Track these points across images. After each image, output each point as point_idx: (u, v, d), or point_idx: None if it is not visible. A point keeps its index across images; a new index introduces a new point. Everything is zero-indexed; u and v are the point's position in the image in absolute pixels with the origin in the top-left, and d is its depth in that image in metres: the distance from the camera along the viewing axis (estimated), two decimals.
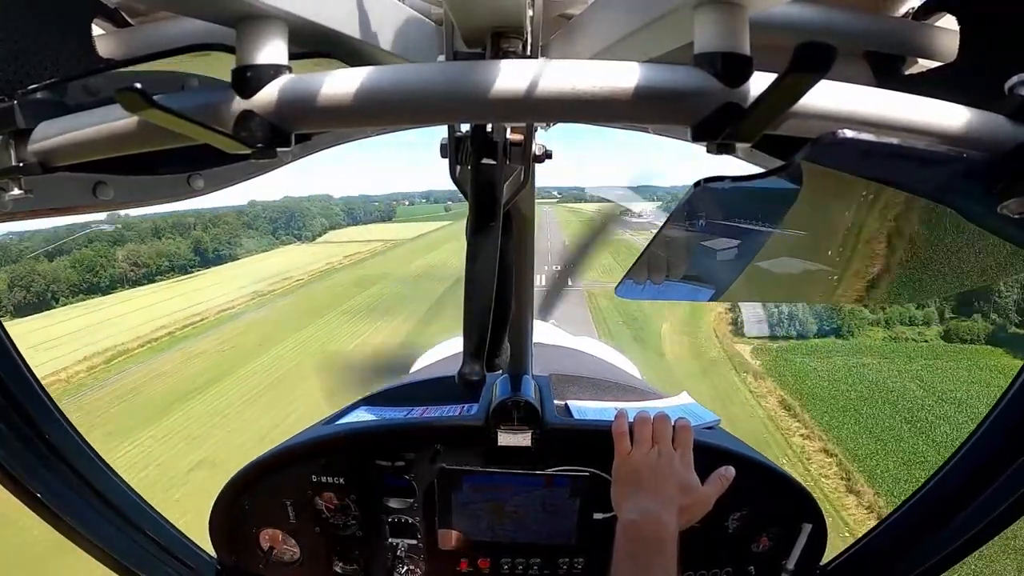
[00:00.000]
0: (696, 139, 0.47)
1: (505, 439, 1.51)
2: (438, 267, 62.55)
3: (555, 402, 1.64)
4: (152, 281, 70.56)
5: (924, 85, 0.75)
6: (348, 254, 79.92)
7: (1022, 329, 37.64)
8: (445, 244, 77.01)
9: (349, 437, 1.58)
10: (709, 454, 1.55)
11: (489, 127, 0.73)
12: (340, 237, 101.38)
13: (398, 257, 76.27)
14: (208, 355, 40.50)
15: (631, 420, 1.37)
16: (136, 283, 69.71)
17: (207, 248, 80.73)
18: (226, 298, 55.77)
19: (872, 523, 1.65)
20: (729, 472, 1.33)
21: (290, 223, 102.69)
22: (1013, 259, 0.75)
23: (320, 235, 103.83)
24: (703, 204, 0.71)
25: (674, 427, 1.35)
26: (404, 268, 66.72)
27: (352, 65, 0.57)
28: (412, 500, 1.58)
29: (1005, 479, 1.14)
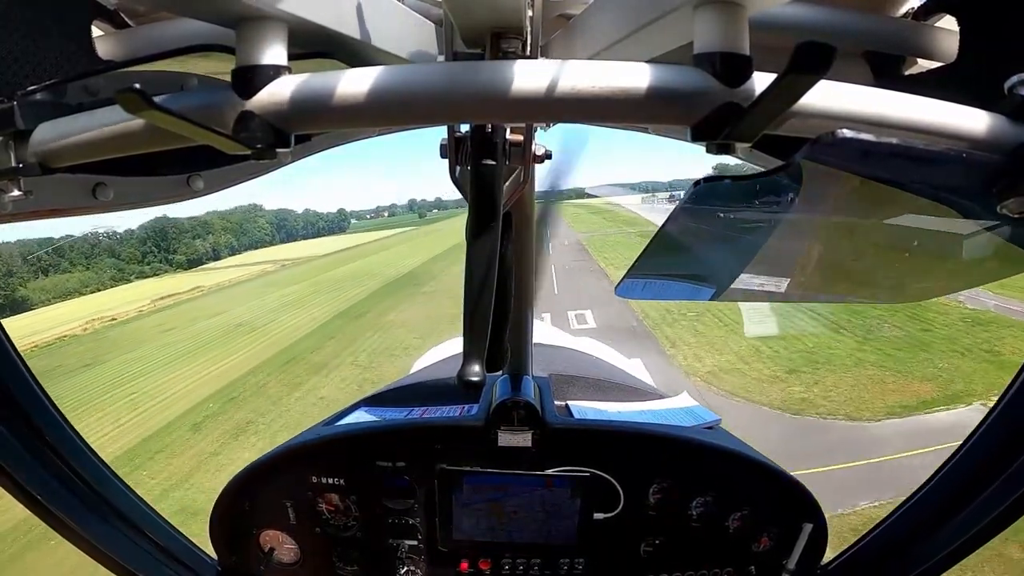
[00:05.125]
0: (696, 139, 0.47)
1: (505, 439, 1.51)
2: (248, 325, 30.53)
3: (555, 402, 1.64)
4: None
5: (924, 85, 0.75)
6: (165, 295, 50.32)
7: None
8: (357, 260, 54.65)
9: (349, 438, 1.58)
10: (709, 454, 1.55)
11: (489, 127, 0.73)
12: (234, 261, 79.80)
13: (230, 298, 43.40)
14: None
15: None
16: None
17: None
18: None
19: None
20: None
21: (160, 246, 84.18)
22: (1013, 259, 0.74)
23: (213, 259, 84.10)
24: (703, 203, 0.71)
25: None
26: (184, 331, 32.12)
27: (352, 65, 0.57)
28: (412, 501, 1.57)
29: (1005, 479, 1.14)
